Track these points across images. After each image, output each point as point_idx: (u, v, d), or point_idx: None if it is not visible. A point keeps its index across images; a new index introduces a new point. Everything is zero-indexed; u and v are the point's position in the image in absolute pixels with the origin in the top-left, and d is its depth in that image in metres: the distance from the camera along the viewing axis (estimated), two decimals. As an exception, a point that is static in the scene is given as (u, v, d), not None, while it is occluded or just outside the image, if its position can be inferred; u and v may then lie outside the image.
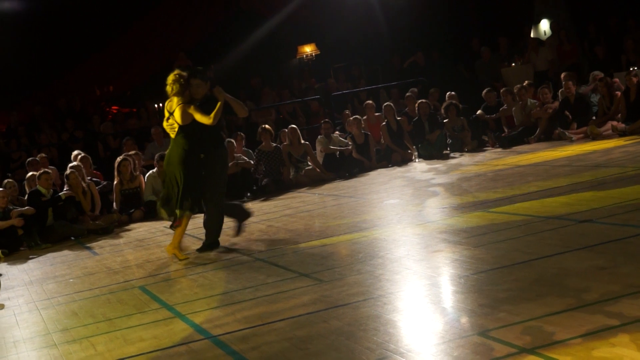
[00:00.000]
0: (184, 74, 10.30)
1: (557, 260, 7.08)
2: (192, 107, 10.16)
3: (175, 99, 10.24)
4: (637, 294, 5.69)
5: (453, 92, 19.95)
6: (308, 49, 26.57)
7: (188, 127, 10.20)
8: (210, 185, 10.40)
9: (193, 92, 10.28)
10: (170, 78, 10.26)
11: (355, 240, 9.80)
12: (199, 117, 10.12)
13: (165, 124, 10.50)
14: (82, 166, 16.15)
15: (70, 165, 16.05)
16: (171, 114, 10.27)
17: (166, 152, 10.68)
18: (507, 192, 11.49)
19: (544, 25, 25.24)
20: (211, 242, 10.71)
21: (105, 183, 16.93)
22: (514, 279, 6.69)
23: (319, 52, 26.50)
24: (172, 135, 10.37)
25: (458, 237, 8.87)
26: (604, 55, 21.38)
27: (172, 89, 10.23)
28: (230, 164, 17.05)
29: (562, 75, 18.78)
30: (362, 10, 25.91)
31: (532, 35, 24.69)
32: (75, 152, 17.37)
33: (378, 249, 9.02)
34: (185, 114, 10.14)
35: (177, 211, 10.26)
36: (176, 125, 10.25)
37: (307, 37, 26.64)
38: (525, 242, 8.05)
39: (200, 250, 10.65)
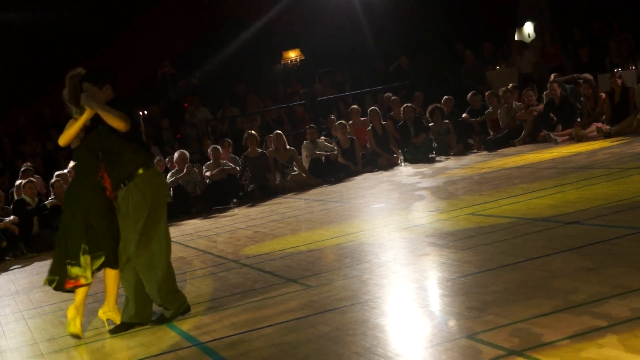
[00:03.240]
0: (77, 73, 7.62)
1: (544, 262, 7.09)
2: (71, 121, 7.62)
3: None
4: (624, 294, 5.70)
5: (450, 97, 19.99)
6: (292, 55, 26.57)
7: (80, 150, 7.60)
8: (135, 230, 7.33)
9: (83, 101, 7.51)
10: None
11: (342, 245, 9.79)
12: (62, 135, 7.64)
13: None
14: (68, 175, 16.07)
15: (56, 173, 15.98)
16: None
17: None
18: (493, 195, 11.51)
19: (528, 28, 25.33)
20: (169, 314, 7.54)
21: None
22: (501, 282, 6.69)
23: (303, 58, 26.51)
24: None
25: (445, 241, 8.87)
26: (588, 58, 21.46)
27: (66, 98, 7.72)
28: (215, 170, 17.21)
29: (552, 76, 18.83)
30: (346, 15, 25.96)
31: (516, 38, 24.77)
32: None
33: (365, 254, 9.01)
34: (62, 138, 7.68)
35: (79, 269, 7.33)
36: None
37: (291, 43, 26.65)
38: (512, 245, 8.06)
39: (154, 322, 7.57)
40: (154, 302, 7.49)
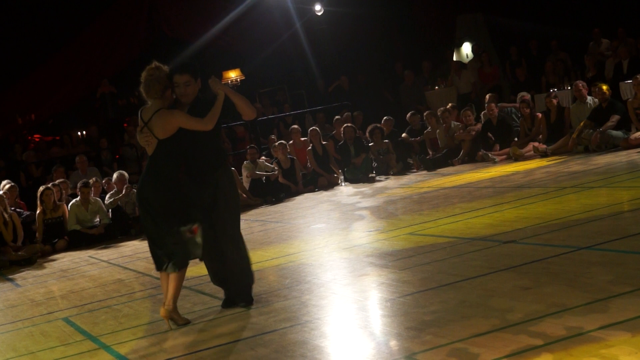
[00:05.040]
0: (165, 68, 7.50)
1: (482, 281, 7.14)
2: (175, 112, 7.47)
3: (152, 103, 7.49)
4: (560, 313, 5.76)
5: (390, 117, 20.09)
6: (233, 75, 26.46)
7: (170, 141, 7.45)
8: (220, 219, 7.66)
9: (179, 93, 7.58)
10: (145, 74, 7.45)
11: (282, 266, 9.77)
12: (189, 123, 7.43)
13: (139, 136, 7.65)
14: (4, 197, 15.84)
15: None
16: (146, 123, 7.46)
17: (140, 177, 7.89)
18: (432, 215, 11.58)
19: (466, 48, 25.62)
20: (246, 296, 7.92)
21: (28, 213, 16.64)
22: (440, 301, 6.73)
23: (243, 78, 26.45)
24: (149, 152, 7.61)
25: (384, 261, 8.89)
26: (525, 77, 21.77)
27: (148, 89, 7.44)
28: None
29: (487, 97, 19.06)
30: (285, 35, 25.99)
31: (454, 58, 25.04)
32: (4, 182, 17.07)
33: (305, 274, 9.00)
34: (165, 123, 7.39)
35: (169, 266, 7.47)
36: (153, 140, 7.48)
37: (231, 63, 26.58)
38: (451, 264, 8.11)
39: (247, 303, 7.84)
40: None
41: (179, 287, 7.49)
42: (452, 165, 18.32)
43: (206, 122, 7.48)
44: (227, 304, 7.89)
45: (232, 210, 7.75)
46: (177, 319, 7.51)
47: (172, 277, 7.44)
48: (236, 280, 7.86)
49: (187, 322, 7.53)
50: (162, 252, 7.50)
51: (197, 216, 7.51)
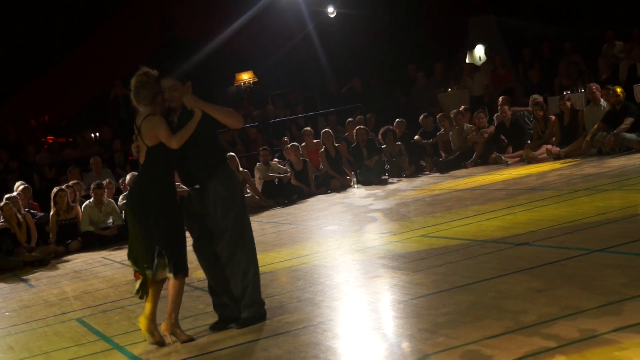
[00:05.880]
0: (153, 73, 7.32)
1: (495, 283, 7.14)
2: (158, 120, 7.21)
3: (143, 110, 7.33)
4: (574, 315, 5.75)
5: (402, 119, 20.10)
6: (245, 77, 26.58)
7: (158, 148, 7.20)
8: (225, 226, 7.30)
9: (168, 98, 7.34)
10: (133, 81, 7.33)
11: (294, 268, 9.78)
12: (162, 135, 7.14)
13: (134, 144, 7.45)
14: (18, 197, 15.90)
15: (6, 196, 15.80)
16: (139, 130, 7.28)
17: (132, 184, 7.84)
18: (445, 217, 11.57)
19: (479, 50, 25.58)
20: (255, 311, 7.38)
21: (42, 214, 16.70)
22: (453, 303, 6.72)
23: (256, 80, 26.52)
24: (141, 160, 7.35)
25: (397, 263, 8.89)
26: (538, 80, 21.72)
27: (137, 96, 7.32)
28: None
29: (500, 99, 19.03)
30: (298, 37, 26.02)
31: (467, 60, 25.00)
32: (18, 183, 17.13)
33: (318, 276, 9.00)
34: (151, 130, 7.18)
35: (148, 272, 7.17)
36: (144, 147, 7.25)
37: (244, 65, 26.65)
38: (464, 266, 8.10)
39: (240, 325, 7.31)
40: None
41: (178, 298, 7.20)
42: (465, 167, 18.29)
43: (173, 141, 7.13)
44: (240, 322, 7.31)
45: (234, 218, 7.29)
46: (179, 335, 7.20)
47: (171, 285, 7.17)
48: (239, 299, 7.36)
49: (190, 339, 7.16)
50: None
51: (193, 228, 7.39)
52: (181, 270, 7.13)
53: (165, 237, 7.09)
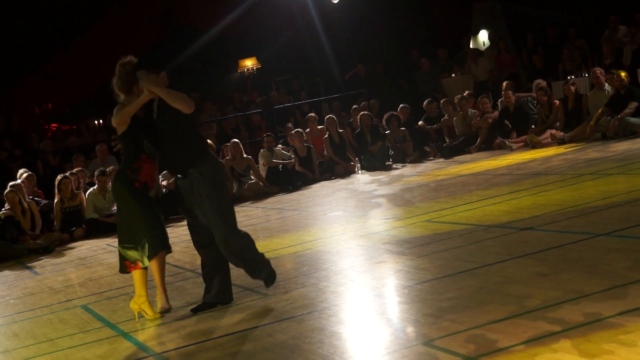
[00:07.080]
0: (130, 62, 7.71)
1: (499, 268, 7.14)
2: (117, 107, 7.58)
3: (124, 99, 7.66)
4: (578, 299, 5.75)
5: (406, 105, 20.05)
6: (249, 63, 26.55)
7: (124, 136, 7.58)
8: (210, 214, 7.41)
9: (143, 87, 7.56)
10: (116, 70, 7.74)
11: (299, 253, 9.78)
12: (112, 121, 7.58)
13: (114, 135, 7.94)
14: (22, 185, 15.90)
15: (10, 184, 15.81)
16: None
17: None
18: (449, 202, 11.57)
19: (483, 36, 25.53)
20: (267, 273, 7.74)
21: (46, 202, 16.71)
22: (457, 288, 6.73)
23: (260, 66, 26.50)
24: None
25: (401, 248, 8.90)
26: (542, 65, 21.67)
27: (116, 85, 7.69)
28: (171, 180, 17.09)
29: (504, 84, 18.99)
30: (301, 23, 25.99)
31: (471, 46, 24.95)
32: (21, 171, 17.14)
33: (322, 262, 9.01)
34: (116, 118, 7.53)
35: (136, 253, 7.67)
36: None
37: (247, 51, 26.63)
38: (468, 251, 8.10)
39: (267, 284, 7.76)
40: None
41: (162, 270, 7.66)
42: (469, 152, 18.28)
43: (113, 119, 7.54)
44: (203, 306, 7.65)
45: (217, 206, 7.38)
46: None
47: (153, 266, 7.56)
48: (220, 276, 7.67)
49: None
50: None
51: (186, 212, 7.63)
52: (160, 249, 7.55)
53: (140, 220, 7.52)
